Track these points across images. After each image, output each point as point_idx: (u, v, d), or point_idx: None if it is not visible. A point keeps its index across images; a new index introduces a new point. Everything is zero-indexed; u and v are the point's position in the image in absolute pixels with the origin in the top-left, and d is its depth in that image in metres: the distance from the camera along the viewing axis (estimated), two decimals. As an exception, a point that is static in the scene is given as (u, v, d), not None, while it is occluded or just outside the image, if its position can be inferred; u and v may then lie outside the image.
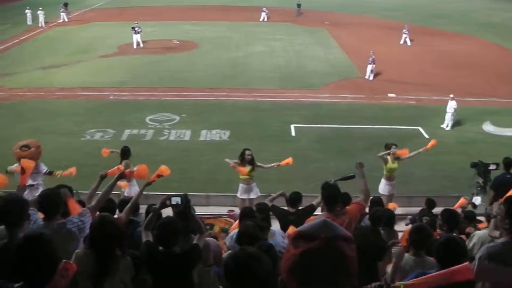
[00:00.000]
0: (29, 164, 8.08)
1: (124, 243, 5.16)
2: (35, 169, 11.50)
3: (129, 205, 7.04)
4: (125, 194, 12.77)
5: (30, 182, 11.44)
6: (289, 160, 13.72)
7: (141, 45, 37.72)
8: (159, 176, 7.11)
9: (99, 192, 6.64)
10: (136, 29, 37.52)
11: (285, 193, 9.89)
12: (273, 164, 13.90)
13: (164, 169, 7.15)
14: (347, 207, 7.08)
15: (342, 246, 2.00)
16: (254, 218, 7.86)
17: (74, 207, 6.54)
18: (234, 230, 8.20)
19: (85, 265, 4.80)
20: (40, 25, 46.50)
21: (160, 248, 5.70)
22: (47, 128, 21.83)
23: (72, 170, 11.50)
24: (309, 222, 2.22)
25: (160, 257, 5.62)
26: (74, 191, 7.67)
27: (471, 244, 7.05)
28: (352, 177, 8.34)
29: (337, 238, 2.01)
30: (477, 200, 12.80)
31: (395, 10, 55.62)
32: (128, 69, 31.52)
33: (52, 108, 24.78)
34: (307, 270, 2.00)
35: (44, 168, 11.82)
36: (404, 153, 14.04)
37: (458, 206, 11.79)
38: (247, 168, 13.39)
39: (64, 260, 4.15)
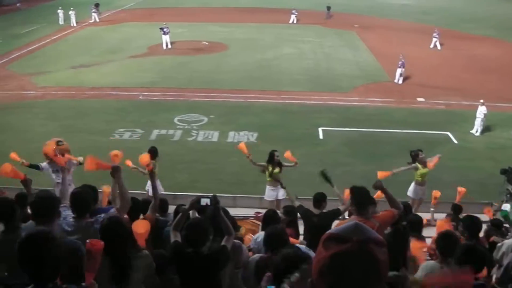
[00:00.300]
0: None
1: (135, 242, 5.18)
2: (67, 165, 11.68)
3: (153, 202, 7.10)
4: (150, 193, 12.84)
5: (59, 180, 11.61)
6: None
7: (169, 46, 37.92)
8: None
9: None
10: (164, 29, 37.79)
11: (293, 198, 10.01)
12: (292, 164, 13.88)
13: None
14: (379, 213, 7.05)
15: (374, 249, 1.98)
16: (279, 221, 7.88)
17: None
18: (258, 233, 8.23)
19: (103, 268, 4.77)
20: (71, 25, 47.16)
21: (189, 249, 5.72)
22: (77, 126, 22.12)
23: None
24: (340, 225, 2.21)
25: (187, 257, 5.60)
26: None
27: (499, 254, 6.98)
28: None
29: (369, 241, 1.98)
30: (507, 207, 12.65)
31: (425, 13, 55.16)
32: (157, 70, 31.75)
33: (82, 107, 25.10)
34: (337, 273, 1.98)
35: (74, 162, 11.86)
36: (434, 162, 13.94)
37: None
38: (276, 170, 13.43)
39: (87, 240, 4.21)
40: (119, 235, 4.90)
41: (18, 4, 59.60)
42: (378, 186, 7.07)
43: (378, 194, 8.00)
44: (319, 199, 9.29)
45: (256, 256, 6.38)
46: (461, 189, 12.66)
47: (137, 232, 6.27)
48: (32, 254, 3.46)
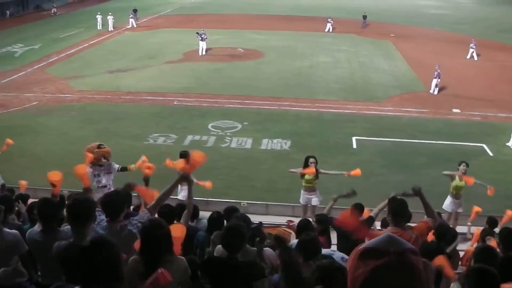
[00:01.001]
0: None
1: (173, 247, 5.09)
2: (107, 169, 11.85)
3: (186, 211, 7.16)
4: (180, 197, 12.93)
5: (104, 182, 11.79)
6: (358, 171, 13.69)
7: (204, 52, 38.21)
8: (193, 165, 6.79)
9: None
10: (202, 36, 38.08)
11: (337, 198, 9.96)
12: (341, 172, 13.98)
13: (196, 156, 6.70)
14: (414, 224, 7.03)
15: (412, 259, 1.99)
16: (312, 230, 7.90)
17: (145, 193, 6.66)
18: (291, 242, 8.26)
19: (136, 271, 4.82)
20: (109, 30, 47.92)
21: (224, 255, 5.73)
22: (112, 130, 22.41)
23: (144, 158, 11.18)
24: (373, 238, 2.22)
25: (220, 264, 5.65)
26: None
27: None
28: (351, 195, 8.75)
29: (406, 252, 2.00)
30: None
31: (462, 23, 54.70)
32: (193, 76, 31.97)
33: (118, 111, 25.41)
34: (380, 287, 1.98)
35: (116, 166, 11.97)
36: (469, 181, 13.77)
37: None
38: (311, 176, 13.52)
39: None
40: (159, 236, 4.85)
41: (53, 10, 60.55)
42: (417, 190, 7.07)
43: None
44: (359, 210, 9.28)
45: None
46: (477, 209, 12.58)
47: (175, 236, 6.31)
48: (95, 259, 3.53)
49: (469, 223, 12.81)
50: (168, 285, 4.77)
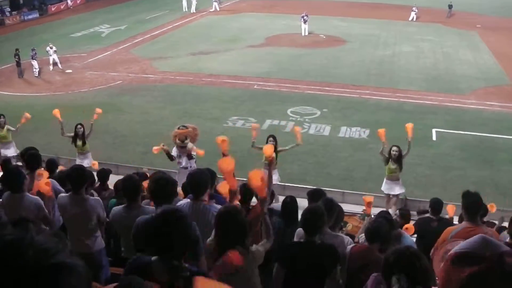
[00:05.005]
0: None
1: (248, 235, 4.97)
2: (189, 152, 11.99)
3: (266, 190, 7.18)
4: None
5: (184, 164, 11.96)
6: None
7: (307, 33, 39.75)
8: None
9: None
10: (304, 18, 39.25)
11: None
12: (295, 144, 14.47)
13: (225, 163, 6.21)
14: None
15: (510, 261, 1.85)
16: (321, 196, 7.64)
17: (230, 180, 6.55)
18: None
19: (211, 255, 4.87)
20: (192, 11, 48.67)
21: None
22: (194, 112, 22.80)
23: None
24: (463, 240, 2.09)
25: (296, 247, 5.65)
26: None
27: None
28: None
29: (504, 255, 1.86)
30: None
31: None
32: (274, 61, 32.04)
33: (199, 93, 25.80)
34: None
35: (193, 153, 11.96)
36: None
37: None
38: (393, 165, 13.54)
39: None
40: (234, 226, 4.77)
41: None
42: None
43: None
44: (438, 209, 9.12)
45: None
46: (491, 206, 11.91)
47: (223, 169, 6.05)
48: (164, 230, 3.56)
49: None
50: (242, 271, 4.77)
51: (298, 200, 8.03)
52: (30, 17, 49.36)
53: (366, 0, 57.71)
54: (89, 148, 15.29)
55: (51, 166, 9.68)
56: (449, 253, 1.99)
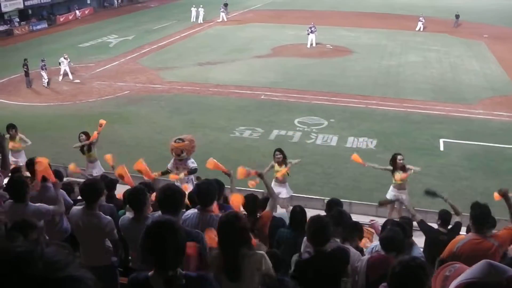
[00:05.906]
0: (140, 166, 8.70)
1: (251, 241, 5.02)
2: (184, 164, 11.90)
3: (271, 199, 7.19)
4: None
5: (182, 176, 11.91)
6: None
7: (314, 44, 39.47)
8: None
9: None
10: (312, 29, 39.22)
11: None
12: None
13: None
14: (497, 232, 6.78)
15: None
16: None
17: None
18: (374, 243, 8.17)
19: (218, 265, 4.88)
20: (199, 22, 48.89)
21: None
22: (200, 122, 22.84)
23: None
24: (460, 264, 2.10)
25: (307, 263, 5.59)
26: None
27: None
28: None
29: (510, 281, 1.79)
30: None
31: None
32: (281, 71, 32.09)
33: (206, 103, 25.85)
34: None
35: (191, 165, 11.75)
36: None
37: None
38: (400, 175, 13.47)
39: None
40: (235, 231, 4.79)
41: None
42: (504, 192, 6.86)
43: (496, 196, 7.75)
44: (447, 220, 9.02)
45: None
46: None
47: (234, 204, 6.38)
48: (157, 241, 3.59)
49: None
50: (246, 276, 4.81)
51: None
52: (38, 27, 49.71)
53: (374, 10, 57.83)
54: (97, 156, 15.22)
55: (57, 177, 9.71)
56: (455, 286, 1.91)
